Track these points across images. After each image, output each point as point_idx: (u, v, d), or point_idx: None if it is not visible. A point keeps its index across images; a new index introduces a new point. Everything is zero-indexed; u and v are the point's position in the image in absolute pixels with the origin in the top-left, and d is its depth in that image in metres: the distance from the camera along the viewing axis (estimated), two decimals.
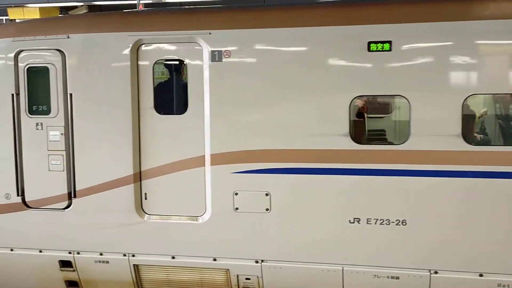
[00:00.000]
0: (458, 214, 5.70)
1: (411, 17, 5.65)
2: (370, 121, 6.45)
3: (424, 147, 5.65)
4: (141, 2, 18.70)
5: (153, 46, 6.19)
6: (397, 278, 5.96)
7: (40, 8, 19.48)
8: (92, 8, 20.13)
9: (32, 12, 19.53)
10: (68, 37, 6.32)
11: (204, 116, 6.12)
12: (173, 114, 6.31)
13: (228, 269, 6.38)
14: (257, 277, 6.34)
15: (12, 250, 6.84)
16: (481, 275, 5.74)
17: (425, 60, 5.61)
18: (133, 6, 19.21)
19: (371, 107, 6.47)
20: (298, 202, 6.02)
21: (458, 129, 5.55)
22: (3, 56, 6.51)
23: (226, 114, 6.08)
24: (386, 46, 5.64)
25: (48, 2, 19.14)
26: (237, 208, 6.16)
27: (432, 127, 5.63)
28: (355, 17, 5.80)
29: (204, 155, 6.17)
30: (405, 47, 5.63)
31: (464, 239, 5.72)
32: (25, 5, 19.40)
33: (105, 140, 6.36)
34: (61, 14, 20.00)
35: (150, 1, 21.13)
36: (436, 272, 5.85)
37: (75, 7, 19.94)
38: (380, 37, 5.65)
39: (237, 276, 6.39)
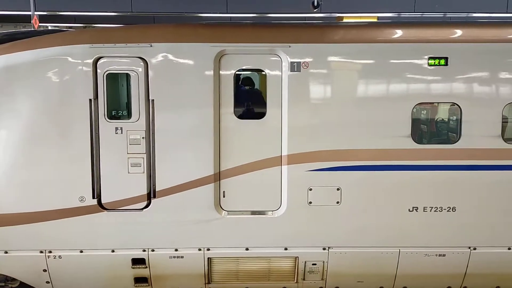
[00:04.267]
0: None
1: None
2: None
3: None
4: (35, 13, 18.19)
5: (235, 56, 6.73)
6: (444, 255, 7.12)
7: None
8: None
9: None
10: (151, 46, 6.63)
11: (281, 120, 6.81)
12: (251, 118, 6.90)
13: (297, 257, 7.13)
14: (323, 262, 7.17)
15: (81, 251, 7.00)
16: None
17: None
18: (28, 17, 18.52)
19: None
20: (365, 195, 6.95)
21: None
22: (80, 61, 6.63)
23: (303, 118, 6.80)
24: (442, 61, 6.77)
25: None
26: (310, 202, 6.93)
27: None
28: (417, 36, 6.84)
29: (281, 156, 6.86)
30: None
31: None
32: None
33: (186, 143, 6.77)
34: None
35: (45, 13, 20.46)
36: None
37: None
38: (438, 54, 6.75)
39: (305, 262, 7.17)
